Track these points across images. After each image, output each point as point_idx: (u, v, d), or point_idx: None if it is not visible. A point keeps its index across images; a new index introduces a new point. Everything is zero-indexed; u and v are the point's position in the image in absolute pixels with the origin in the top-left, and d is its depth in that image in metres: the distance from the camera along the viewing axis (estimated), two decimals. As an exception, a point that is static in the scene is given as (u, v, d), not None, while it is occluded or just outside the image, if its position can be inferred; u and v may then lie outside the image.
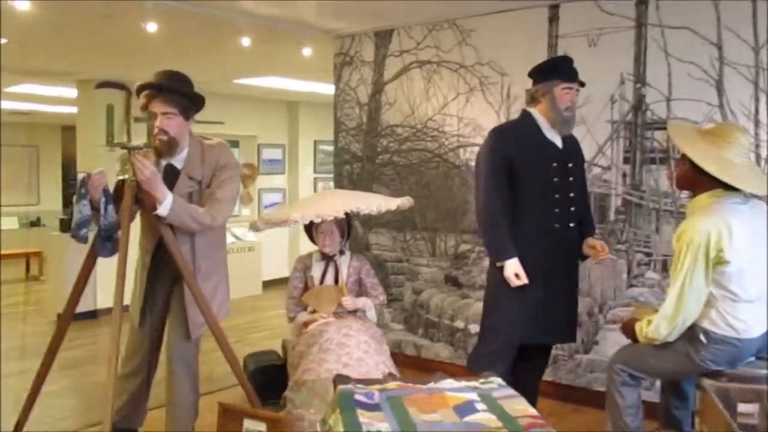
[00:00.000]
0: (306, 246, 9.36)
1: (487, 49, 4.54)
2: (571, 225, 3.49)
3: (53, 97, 8.87)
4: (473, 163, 4.62)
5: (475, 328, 4.62)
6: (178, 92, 3.09)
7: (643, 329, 3.02)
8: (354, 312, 4.05)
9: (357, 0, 4.32)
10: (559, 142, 3.50)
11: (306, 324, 3.98)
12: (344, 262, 4.09)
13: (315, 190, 9.80)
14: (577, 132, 3.90)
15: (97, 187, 2.86)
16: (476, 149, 4.55)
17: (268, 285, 9.05)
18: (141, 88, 3.11)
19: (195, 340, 3.28)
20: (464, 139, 4.68)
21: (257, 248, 8.83)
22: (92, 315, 7.56)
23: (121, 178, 2.94)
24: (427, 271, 4.88)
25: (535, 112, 3.49)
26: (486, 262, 4.57)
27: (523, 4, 4.33)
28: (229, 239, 8.41)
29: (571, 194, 3.49)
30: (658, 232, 3.96)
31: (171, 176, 3.13)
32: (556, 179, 3.44)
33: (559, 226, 3.45)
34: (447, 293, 4.78)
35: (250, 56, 5.85)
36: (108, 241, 2.96)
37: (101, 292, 7.64)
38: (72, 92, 8.23)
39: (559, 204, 3.45)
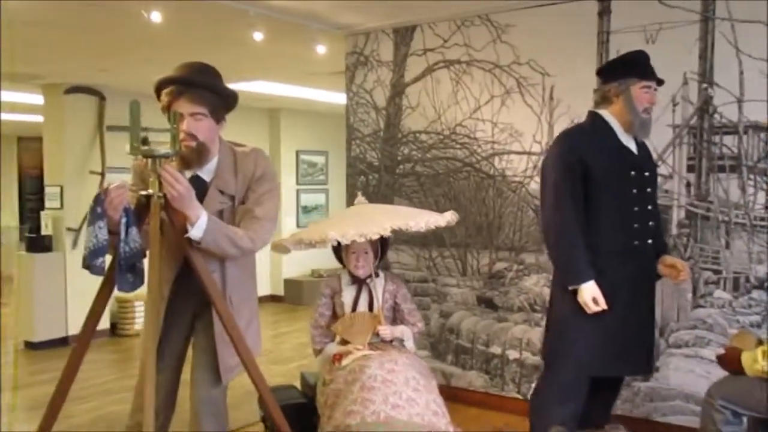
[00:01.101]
0: (290, 261, 8.95)
1: (526, 47, 4.12)
2: (650, 242, 3.09)
3: (10, 104, 8.16)
4: (510, 173, 4.23)
5: (513, 353, 4.18)
6: (209, 88, 2.56)
7: (758, 361, 2.62)
8: (390, 342, 3.57)
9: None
10: (634, 148, 3.11)
11: (337, 357, 3.48)
12: (378, 286, 3.60)
13: (298, 202, 9.30)
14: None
15: (117, 206, 2.28)
16: (513, 157, 4.15)
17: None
18: (163, 84, 2.58)
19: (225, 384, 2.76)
20: (499, 146, 4.24)
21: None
22: (63, 342, 6.91)
23: (144, 193, 2.40)
24: (457, 292, 4.42)
25: (607, 114, 3.09)
26: (526, 281, 4.16)
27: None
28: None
29: (649, 207, 3.09)
30: (729, 248, 3.58)
31: (198, 190, 2.58)
32: (634, 190, 3.04)
33: (638, 243, 3.05)
34: (480, 316, 4.33)
35: (245, 56, 5.34)
36: (129, 272, 2.41)
37: (73, 317, 6.99)
38: (31, 98, 7.57)
39: (638, 218, 3.05)
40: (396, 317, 3.67)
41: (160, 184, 2.32)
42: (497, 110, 4.24)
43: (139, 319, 7.37)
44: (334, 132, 9.73)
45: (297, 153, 9.27)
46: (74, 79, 6.96)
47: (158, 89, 2.58)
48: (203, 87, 2.55)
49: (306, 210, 9.40)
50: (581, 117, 3.90)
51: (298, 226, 9.17)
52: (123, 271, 2.39)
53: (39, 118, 7.44)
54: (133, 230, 2.34)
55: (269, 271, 9.13)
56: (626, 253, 3.02)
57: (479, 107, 4.31)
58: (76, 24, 4.64)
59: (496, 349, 4.26)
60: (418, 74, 4.55)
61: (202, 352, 2.74)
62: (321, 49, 4.53)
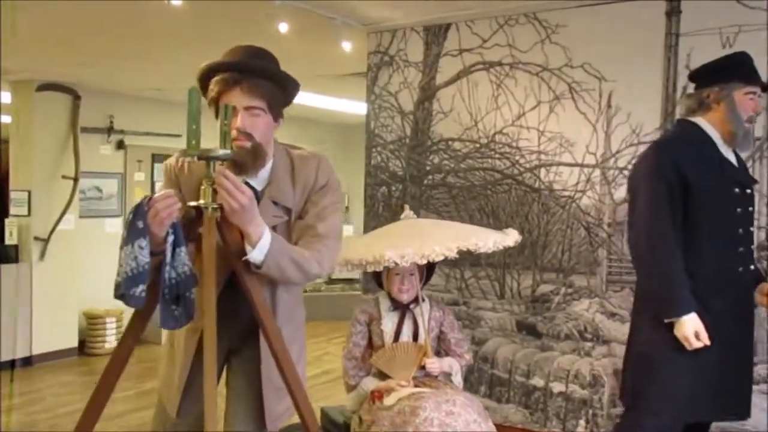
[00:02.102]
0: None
1: (580, 49, 3.75)
2: (752, 267, 2.74)
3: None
4: (559, 187, 3.83)
5: (558, 386, 3.77)
6: (270, 78, 2.10)
7: None
8: (435, 377, 3.13)
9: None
10: (734, 162, 2.75)
11: (377, 395, 3.02)
12: (423, 312, 3.16)
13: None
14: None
15: (165, 221, 1.82)
16: (563, 169, 3.76)
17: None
18: (213, 71, 2.09)
19: (269, 433, 2.27)
20: (547, 157, 3.85)
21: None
22: (27, 362, 6.26)
23: (194, 204, 1.92)
24: (493, 317, 3.99)
25: (704, 122, 2.72)
26: (576, 306, 3.76)
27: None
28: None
29: (751, 228, 2.74)
30: (812, 274, 3.24)
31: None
32: (738, 209, 2.68)
33: (742, 270, 2.69)
34: (520, 344, 3.90)
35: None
36: (175, 303, 1.92)
37: (39, 335, 6.35)
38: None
39: (742, 241, 2.69)
40: (440, 347, 3.23)
41: (214, 192, 1.85)
42: (545, 117, 3.85)
43: (110, 337, 6.76)
44: (332, 139, 9.28)
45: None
46: (47, 76, 6.36)
47: (205, 77, 2.10)
48: (263, 76, 2.07)
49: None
50: (643, 126, 3.58)
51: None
52: (167, 303, 1.90)
53: (5, 118, 6.79)
54: (182, 251, 1.86)
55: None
56: (729, 281, 2.66)
57: (523, 114, 3.91)
58: (53, 11, 4.11)
59: (538, 381, 3.84)
60: (452, 76, 4.13)
61: (241, 398, 2.25)
62: (346, 46, 4.09)
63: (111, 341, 6.71)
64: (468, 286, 4.07)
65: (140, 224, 1.79)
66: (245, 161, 2.06)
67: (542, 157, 3.86)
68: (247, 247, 1.91)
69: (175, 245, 1.83)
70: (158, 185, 2.32)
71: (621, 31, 3.64)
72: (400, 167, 4.31)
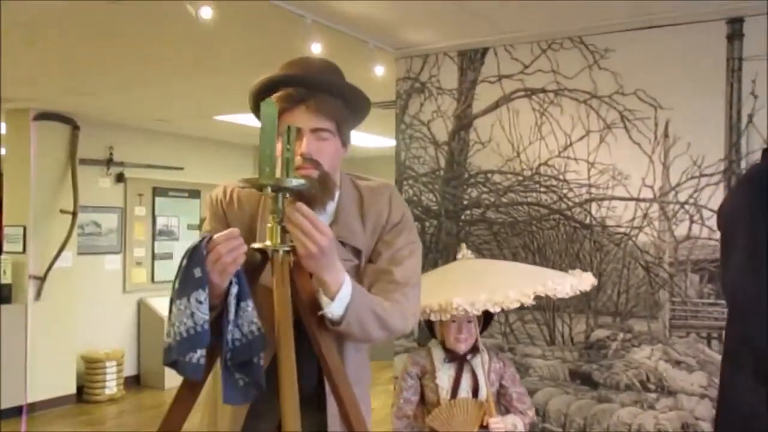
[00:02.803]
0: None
1: (633, 75, 3.49)
2: None
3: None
4: (612, 223, 3.55)
5: (617, 441, 3.45)
6: (341, 95, 1.77)
7: None
8: (496, 436, 2.81)
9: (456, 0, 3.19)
10: None
11: (434, 458, 2.71)
12: (483, 364, 2.85)
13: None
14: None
15: (229, 267, 1.46)
16: (617, 204, 3.48)
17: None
18: (274, 85, 1.75)
19: None
20: (598, 190, 3.57)
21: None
22: (18, 412, 5.84)
23: (258, 247, 1.59)
24: (543, 365, 3.68)
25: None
26: (636, 354, 3.45)
27: (684, 16, 3.34)
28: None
29: None
30: None
31: None
32: None
33: None
34: (574, 394, 3.59)
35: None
36: (241, 371, 1.57)
37: (34, 381, 5.95)
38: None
39: None
40: (500, 403, 2.91)
41: (283, 231, 1.51)
42: (595, 148, 3.58)
43: (110, 382, 6.37)
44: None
45: (284, 193, 8.44)
46: (44, 104, 6.04)
47: (263, 93, 1.75)
48: (332, 92, 1.74)
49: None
50: (705, 157, 3.32)
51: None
52: (231, 371, 1.56)
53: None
54: (248, 306, 1.52)
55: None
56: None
57: (570, 144, 3.64)
58: (52, 36, 3.81)
59: (594, 435, 3.53)
60: (491, 104, 3.85)
61: None
62: (379, 71, 3.81)
63: (111, 387, 6.34)
64: (513, 331, 3.76)
65: (197, 272, 1.43)
66: (313, 194, 1.70)
67: (593, 190, 3.58)
68: (323, 299, 1.58)
69: (240, 298, 1.49)
70: (199, 222, 1.95)
71: (677, 56, 3.39)
72: (434, 201, 4.02)
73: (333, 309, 1.57)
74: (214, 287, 1.47)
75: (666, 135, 3.42)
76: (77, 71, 4.71)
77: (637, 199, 3.47)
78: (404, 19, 3.57)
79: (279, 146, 1.51)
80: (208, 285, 1.46)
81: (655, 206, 3.42)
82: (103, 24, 3.62)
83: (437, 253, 3.93)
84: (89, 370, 6.36)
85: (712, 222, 3.27)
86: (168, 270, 7.16)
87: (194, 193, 7.52)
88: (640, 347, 3.44)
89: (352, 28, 3.61)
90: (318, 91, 1.72)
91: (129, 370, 6.91)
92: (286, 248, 1.50)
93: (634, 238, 3.47)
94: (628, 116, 3.50)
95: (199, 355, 1.49)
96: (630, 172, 3.48)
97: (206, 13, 2.84)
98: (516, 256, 3.71)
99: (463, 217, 3.93)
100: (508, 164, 3.80)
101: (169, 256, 7.23)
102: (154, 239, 7.14)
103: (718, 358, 3.34)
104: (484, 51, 3.89)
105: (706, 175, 3.30)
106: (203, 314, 1.47)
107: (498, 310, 2.51)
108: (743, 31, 3.26)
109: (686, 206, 3.33)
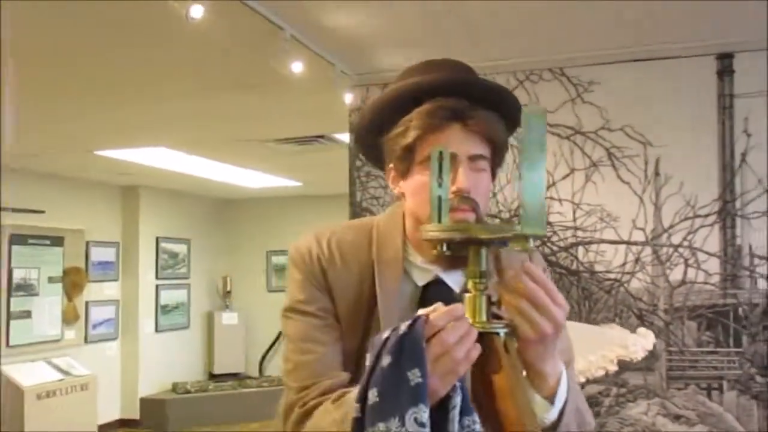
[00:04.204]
0: (146, 372, 7.05)
1: (619, 110, 3.29)
2: None
3: None
4: (602, 268, 3.28)
5: None
6: (503, 108, 1.30)
7: None
8: None
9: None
10: None
11: None
12: None
13: (157, 301, 7.57)
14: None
15: (460, 366, 1.00)
16: (606, 248, 3.24)
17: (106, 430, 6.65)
18: (418, 92, 1.28)
19: None
20: (585, 233, 3.30)
21: (91, 385, 6.32)
22: None
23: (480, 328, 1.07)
24: (528, 427, 3.30)
25: None
26: (631, 409, 3.18)
27: (672, 50, 3.20)
28: (53, 375, 5.95)
29: None
30: None
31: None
32: None
33: None
34: (564, 459, 3.24)
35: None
36: None
37: None
38: None
39: None
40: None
41: (494, 304, 1.08)
42: (580, 187, 3.32)
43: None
44: (197, 215, 8.27)
45: (157, 240, 7.64)
46: None
47: (398, 105, 1.28)
48: (490, 106, 1.28)
49: (166, 310, 7.70)
50: (699, 197, 3.16)
51: (157, 330, 7.45)
52: None
53: None
54: (475, 423, 1.01)
55: (119, 388, 7.24)
56: None
57: (553, 183, 3.36)
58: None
59: (587, 504, 3.17)
60: (460, 139, 3.51)
61: None
62: (348, 98, 3.36)
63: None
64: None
65: (415, 376, 0.95)
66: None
67: (579, 233, 3.31)
68: (535, 397, 1.11)
69: (463, 412, 0.99)
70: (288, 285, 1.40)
71: (666, 91, 3.23)
72: (394, 247, 3.57)
73: (551, 414, 1.12)
74: (433, 396, 0.99)
75: (657, 173, 3.23)
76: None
77: (628, 242, 3.24)
78: (370, 40, 3.17)
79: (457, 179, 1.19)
80: (428, 393, 0.97)
81: (648, 249, 3.20)
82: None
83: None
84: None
85: (709, 265, 3.11)
86: (26, 330, 6.11)
87: (57, 240, 6.52)
88: (636, 402, 3.16)
89: (322, 46, 3.16)
90: (477, 105, 1.26)
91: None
92: (504, 328, 1.06)
93: (625, 285, 3.22)
94: (616, 153, 3.28)
95: None
96: (619, 213, 3.25)
97: (197, 12, 2.24)
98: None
99: (429, 263, 3.51)
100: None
101: (27, 315, 6.17)
102: (9, 295, 6.06)
103: (720, 410, 3.14)
104: (451, 81, 3.55)
105: (700, 216, 3.13)
106: None
107: (583, 380, 2.11)
108: (733, 67, 3.17)
109: (680, 249, 3.14)
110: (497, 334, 1.03)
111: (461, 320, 1.00)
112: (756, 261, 3.04)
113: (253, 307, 8.33)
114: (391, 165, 1.31)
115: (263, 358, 8.28)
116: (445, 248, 1.06)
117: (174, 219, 7.84)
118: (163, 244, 7.67)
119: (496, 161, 1.31)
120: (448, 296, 1.23)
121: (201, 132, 4.95)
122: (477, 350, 1.00)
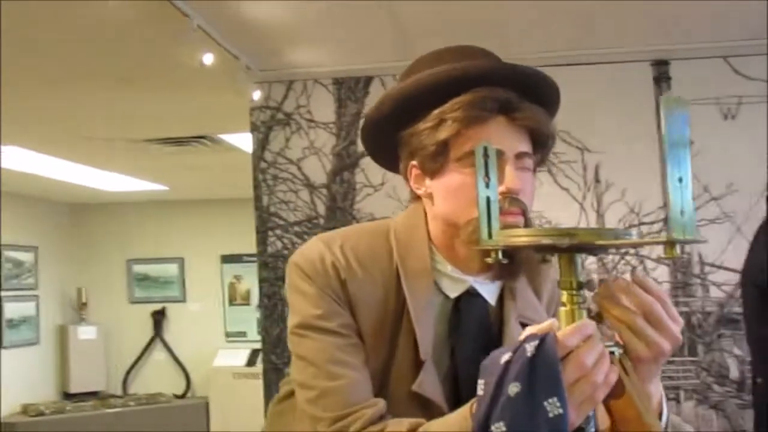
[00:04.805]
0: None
1: (558, 115, 3.11)
2: None
3: None
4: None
5: None
6: (548, 101, 1.21)
7: None
8: None
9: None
10: None
11: None
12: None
13: (1, 316, 6.67)
14: (725, 231, 2.81)
15: (598, 392, 0.85)
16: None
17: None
18: (472, 76, 1.13)
19: None
20: (522, 243, 3.09)
21: None
22: None
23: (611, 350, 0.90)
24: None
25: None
26: None
27: (608, 55, 3.07)
28: None
29: None
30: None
31: (483, 322, 1.17)
32: None
33: None
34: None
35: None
36: None
37: None
38: None
39: None
40: None
41: (594, 317, 0.92)
42: (516, 195, 3.11)
43: None
44: (46, 220, 7.41)
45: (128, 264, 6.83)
46: None
47: (435, 92, 1.13)
48: (536, 98, 1.16)
49: (12, 324, 6.82)
50: (643, 204, 3.06)
51: (1, 346, 6.59)
52: None
53: None
54: None
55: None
56: None
57: (487, 190, 3.12)
58: None
59: None
60: (384, 141, 3.19)
61: None
62: (257, 96, 2.94)
63: None
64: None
65: (554, 407, 0.81)
66: (523, 256, 1.13)
67: (516, 243, 3.10)
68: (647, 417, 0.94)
69: None
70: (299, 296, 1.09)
71: (605, 97, 3.11)
72: (310, 260, 3.19)
73: None
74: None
75: (597, 180, 3.08)
76: None
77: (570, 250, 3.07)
78: (280, 35, 2.81)
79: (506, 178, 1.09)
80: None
81: (591, 257, 3.05)
82: None
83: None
84: None
85: (658, 273, 3.01)
86: None
87: None
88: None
89: (228, 39, 2.73)
90: (524, 96, 1.14)
91: None
92: (617, 348, 0.90)
93: (566, 298, 3.05)
94: (553, 159, 3.10)
95: None
96: (559, 220, 3.08)
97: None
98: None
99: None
100: (410, 213, 3.15)
101: None
102: None
103: (678, 420, 3.05)
104: (368, 80, 3.23)
105: (645, 224, 3.03)
106: None
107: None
108: (669, 74, 3.08)
109: (627, 257, 3.01)
110: (612, 353, 0.88)
111: (594, 339, 0.84)
112: (707, 269, 2.96)
113: (113, 320, 7.58)
114: (414, 162, 1.18)
115: (127, 374, 7.55)
116: (501, 255, 0.89)
117: (19, 224, 6.94)
118: (6, 253, 6.75)
119: (540, 157, 1.22)
120: (483, 309, 1.16)
121: (54, 129, 4.27)
122: (615, 374, 0.86)
